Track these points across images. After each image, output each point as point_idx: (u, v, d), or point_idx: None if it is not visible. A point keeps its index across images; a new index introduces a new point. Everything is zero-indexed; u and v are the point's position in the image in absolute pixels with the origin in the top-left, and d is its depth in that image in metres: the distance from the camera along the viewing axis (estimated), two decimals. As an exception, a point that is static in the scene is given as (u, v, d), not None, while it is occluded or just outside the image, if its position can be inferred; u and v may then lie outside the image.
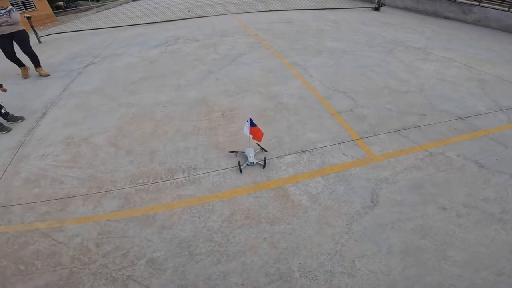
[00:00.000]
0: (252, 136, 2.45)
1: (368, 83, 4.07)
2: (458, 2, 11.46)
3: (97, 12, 20.96)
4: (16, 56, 5.22)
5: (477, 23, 10.53)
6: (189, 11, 12.56)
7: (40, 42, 9.38)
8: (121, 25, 10.34)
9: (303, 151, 2.72)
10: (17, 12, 5.11)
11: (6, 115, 3.60)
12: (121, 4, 28.85)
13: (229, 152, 2.75)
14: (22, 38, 5.15)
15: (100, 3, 37.05)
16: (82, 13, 22.22)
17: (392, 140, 2.85)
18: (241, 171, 2.53)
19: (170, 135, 3.11)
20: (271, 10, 10.87)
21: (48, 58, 6.67)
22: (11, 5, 18.16)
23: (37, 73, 5.42)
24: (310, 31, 7.32)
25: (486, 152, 2.69)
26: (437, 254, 1.81)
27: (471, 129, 3.03)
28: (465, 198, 2.20)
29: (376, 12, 11.41)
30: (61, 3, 35.46)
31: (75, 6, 35.43)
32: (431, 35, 7.32)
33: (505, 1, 10.96)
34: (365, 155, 2.65)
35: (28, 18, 9.47)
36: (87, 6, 31.18)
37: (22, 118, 3.74)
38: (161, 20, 10.38)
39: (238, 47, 5.93)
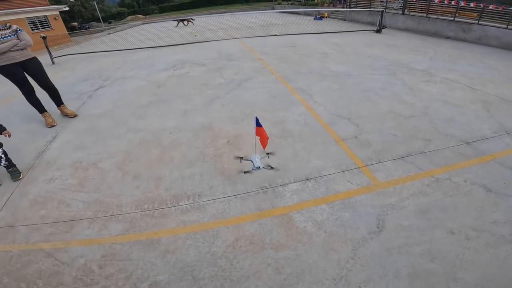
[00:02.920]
0: (258, 137, 2.53)
1: (373, 108, 4.19)
2: (457, 21, 11.84)
3: (109, 34, 22.06)
4: (36, 95, 4.35)
5: (477, 41, 10.78)
6: (195, 35, 13.13)
7: (53, 63, 9.96)
8: (130, 48, 10.96)
9: (307, 179, 2.79)
10: (25, 32, 4.21)
11: (8, 167, 3.19)
12: (131, 27, 30.33)
13: (235, 158, 2.83)
14: (36, 68, 4.27)
15: (112, 25, 39.00)
16: (95, 35, 23.29)
17: (397, 166, 2.92)
18: (244, 172, 2.68)
19: (176, 161, 3.22)
20: (276, 35, 11.34)
21: (61, 79, 7.10)
22: (29, 24, 19.15)
23: (60, 113, 4.73)
24: (314, 54, 7.62)
25: (494, 176, 2.73)
26: (446, 276, 1.83)
27: (477, 154, 3.08)
28: (473, 221, 2.24)
29: (378, 35, 11.81)
30: (75, 23, 37.62)
31: (88, 27, 37.54)
32: (433, 56, 7.56)
33: (503, 18, 11.22)
34: (370, 182, 2.71)
35: (44, 38, 10.10)
36: (100, 28, 32.84)
37: (20, 175, 3.24)
38: (169, 44, 10.95)
39: (243, 72, 6.18)
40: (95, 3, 35.66)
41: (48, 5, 21.57)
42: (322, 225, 2.27)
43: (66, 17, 30.67)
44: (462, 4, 13.31)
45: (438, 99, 4.46)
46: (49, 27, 20.81)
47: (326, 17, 20.33)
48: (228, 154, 3.26)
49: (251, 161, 2.83)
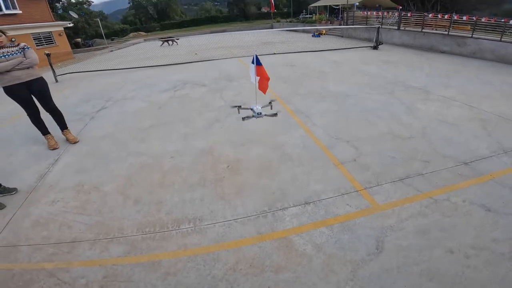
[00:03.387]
0: (258, 79, 2.53)
1: (371, 129, 4.26)
2: (451, 35, 12.07)
3: (111, 51, 22.46)
4: (40, 115, 4.35)
5: (472, 55, 10.96)
6: (196, 54, 13.41)
7: (57, 81, 10.18)
8: (132, 66, 11.16)
9: (307, 203, 2.83)
10: (32, 50, 4.10)
11: None
12: (133, 44, 30.93)
13: (232, 107, 2.84)
14: (42, 89, 4.23)
15: (114, 41, 39.74)
16: (98, 51, 23.70)
17: (396, 189, 2.96)
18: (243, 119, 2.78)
19: (177, 185, 3.27)
20: (275, 53, 11.56)
21: (64, 99, 7.25)
22: (34, 40, 19.25)
23: (63, 138, 4.69)
24: (312, 73, 7.79)
25: (492, 196, 2.78)
26: (446, 295, 1.84)
27: (475, 174, 3.12)
28: (473, 240, 2.27)
29: (375, 51, 12.09)
30: (79, 39, 38.23)
31: (92, 44, 38.23)
32: (429, 72, 7.75)
33: (496, 30, 11.35)
34: (369, 205, 2.75)
35: (48, 55, 10.32)
36: (103, 45, 33.49)
37: (15, 190, 3.39)
38: (170, 63, 11.16)
39: (243, 93, 6.29)
40: (98, 20, 36.34)
41: (53, 21, 21.95)
42: (322, 247, 2.30)
43: (70, 33, 30.92)
44: (455, 17, 13.65)
45: (436, 119, 4.54)
46: (53, 43, 21.06)
47: (324, 34, 20.76)
48: (228, 179, 3.31)
49: (251, 109, 2.85)
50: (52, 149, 4.41)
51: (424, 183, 3.01)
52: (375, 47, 12.50)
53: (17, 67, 3.88)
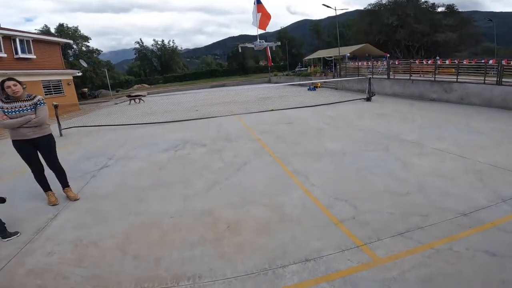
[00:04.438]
0: (260, 16, 2.53)
1: (369, 188, 4.30)
2: (438, 81, 12.71)
3: (116, 104, 23.20)
4: (44, 172, 4.34)
5: (460, 101, 11.42)
6: (197, 110, 13.84)
7: (61, 135, 10.43)
8: (134, 122, 11.49)
9: (307, 260, 2.81)
10: (45, 106, 4.07)
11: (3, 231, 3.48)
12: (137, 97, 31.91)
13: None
14: (48, 148, 4.23)
15: (119, 93, 41.19)
16: (103, 103, 24.43)
17: (396, 242, 2.96)
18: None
19: (176, 244, 3.26)
20: (273, 110, 11.93)
21: (67, 155, 7.37)
22: (43, 87, 19.44)
23: (64, 195, 4.64)
24: (310, 131, 8.00)
25: (496, 241, 2.79)
26: None
27: (476, 224, 3.14)
28: (481, 283, 2.27)
29: (368, 103, 12.62)
30: (86, 89, 39.59)
31: (97, 95, 39.66)
32: (422, 123, 8.04)
33: (478, 71, 11.88)
34: (370, 259, 2.74)
35: (55, 106, 10.65)
36: (107, 96, 34.73)
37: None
38: (172, 120, 11.47)
39: (242, 154, 6.38)
40: (105, 70, 37.86)
41: (64, 69, 22.79)
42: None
43: (78, 82, 32.02)
44: (439, 62, 14.50)
45: (431, 173, 4.62)
46: (61, 92, 21.56)
47: (319, 87, 21.73)
48: (228, 239, 3.30)
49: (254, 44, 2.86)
50: (52, 205, 4.38)
51: (425, 235, 3.02)
52: (368, 99, 13.06)
53: (25, 125, 3.87)
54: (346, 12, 41.87)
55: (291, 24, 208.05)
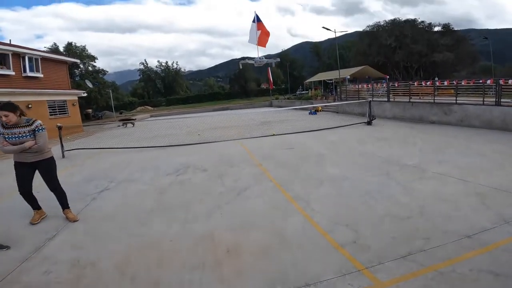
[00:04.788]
0: (259, 33, 2.53)
1: (370, 212, 4.27)
2: (437, 103, 12.67)
3: (119, 126, 23.24)
4: (32, 194, 4.37)
5: (460, 123, 11.37)
6: (199, 134, 13.87)
7: (64, 156, 10.45)
8: (137, 146, 11.52)
9: (307, 285, 2.77)
10: (44, 132, 4.11)
11: None
12: (140, 120, 32.44)
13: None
14: (48, 170, 4.32)
15: (122, 115, 41.52)
16: (106, 125, 24.58)
17: (398, 265, 2.93)
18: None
19: (175, 268, 3.22)
20: (274, 135, 11.89)
21: (68, 177, 7.37)
22: (48, 107, 19.29)
23: (63, 215, 4.66)
24: (311, 156, 7.96)
25: (500, 262, 2.76)
26: None
27: (480, 245, 3.11)
28: None
29: (369, 127, 12.63)
30: (90, 110, 39.91)
31: (101, 116, 39.98)
32: (422, 147, 8.04)
33: (477, 92, 11.85)
34: (371, 283, 2.70)
35: (59, 128, 10.69)
36: (111, 118, 35.07)
37: (7, 247, 3.61)
38: (174, 144, 11.49)
39: (243, 179, 6.35)
40: (110, 91, 38.00)
41: (70, 89, 22.77)
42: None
43: (83, 103, 32.17)
44: (438, 83, 14.56)
45: (433, 197, 4.59)
46: (66, 113, 21.39)
47: (320, 111, 21.92)
48: (228, 262, 3.27)
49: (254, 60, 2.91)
50: (33, 223, 4.39)
51: (428, 258, 2.98)
52: (369, 123, 13.06)
53: (26, 150, 3.92)
54: (346, 34, 43.09)
55: (292, 47, 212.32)
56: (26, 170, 4.13)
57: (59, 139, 10.81)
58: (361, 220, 4.04)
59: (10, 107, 3.86)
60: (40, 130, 4.05)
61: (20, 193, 4.27)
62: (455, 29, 44.80)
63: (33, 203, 4.45)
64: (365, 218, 4.09)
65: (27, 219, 4.60)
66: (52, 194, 4.54)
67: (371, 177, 5.83)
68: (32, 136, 3.99)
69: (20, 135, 3.92)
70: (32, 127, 4.01)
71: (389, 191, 4.99)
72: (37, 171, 4.30)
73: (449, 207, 4.16)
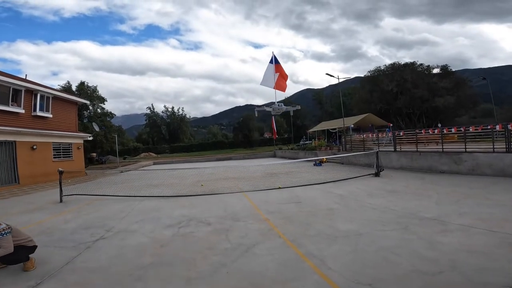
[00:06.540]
0: (277, 76, 2.20)
1: (393, 269, 3.91)
2: (446, 151, 12.44)
3: (121, 172, 22.91)
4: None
5: (471, 172, 11.01)
6: (202, 185, 13.54)
7: (61, 201, 10.31)
8: (138, 195, 11.18)
9: None
10: (8, 236, 4.12)
11: None
12: (143, 167, 32.29)
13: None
14: (14, 261, 4.27)
15: (126, 161, 41.33)
16: (108, 171, 24.31)
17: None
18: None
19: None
20: (280, 188, 11.50)
21: (63, 223, 7.09)
22: (53, 149, 18.78)
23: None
24: (320, 211, 7.48)
25: None
26: None
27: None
28: None
29: (377, 178, 12.30)
30: (94, 154, 39.80)
31: (105, 161, 39.83)
32: (438, 199, 7.76)
33: (485, 138, 11.57)
34: None
35: (60, 173, 10.74)
36: (114, 163, 34.92)
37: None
38: (177, 194, 11.14)
39: (250, 235, 5.93)
40: (116, 135, 38.04)
41: (76, 131, 22.32)
42: None
43: (88, 146, 32.07)
44: (445, 131, 14.34)
45: (462, 250, 4.30)
46: (70, 156, 20.87)
47: (325, 162, 21.70)
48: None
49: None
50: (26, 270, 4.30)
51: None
52: (376, 174, 12.69)
53: None
54: (347, 80, 44.17)
55: (294, 94, 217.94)
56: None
57: (59, 183, 10.69)
58: (384, 277, 3.68)
59: None
60: (4, 235, 4.08)
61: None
62: (453, 69, 46.17)
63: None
64: (389, 275, 3.73)
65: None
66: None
67: (388, 231, 5.45)
68: None
69: None
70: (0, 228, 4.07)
71: (412, 246, 4.63)
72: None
73: (482, 259, 3.90)
